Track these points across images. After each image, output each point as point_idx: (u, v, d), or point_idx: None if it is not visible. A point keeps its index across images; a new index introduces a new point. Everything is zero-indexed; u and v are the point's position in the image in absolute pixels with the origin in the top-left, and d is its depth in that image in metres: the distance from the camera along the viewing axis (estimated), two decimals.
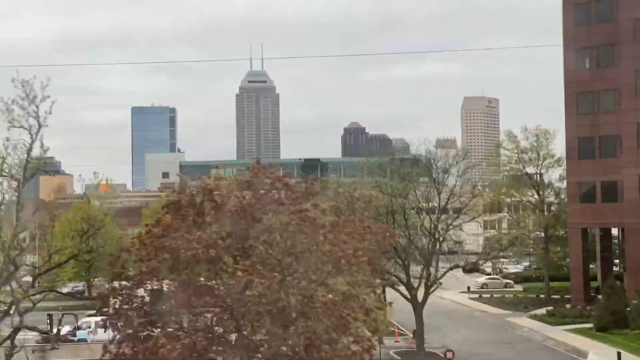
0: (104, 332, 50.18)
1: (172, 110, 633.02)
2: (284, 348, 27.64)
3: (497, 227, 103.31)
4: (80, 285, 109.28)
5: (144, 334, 28.45)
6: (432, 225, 63.06)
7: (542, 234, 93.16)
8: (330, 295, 27.92)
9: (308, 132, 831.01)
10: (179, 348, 26.78)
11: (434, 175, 65.68)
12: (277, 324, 27.50)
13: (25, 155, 31.36)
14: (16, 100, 30.68)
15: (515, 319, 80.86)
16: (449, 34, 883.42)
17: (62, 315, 73.23)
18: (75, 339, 67.47)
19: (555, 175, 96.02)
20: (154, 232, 29.48)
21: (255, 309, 26.96)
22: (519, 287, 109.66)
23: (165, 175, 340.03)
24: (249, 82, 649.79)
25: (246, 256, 28.40)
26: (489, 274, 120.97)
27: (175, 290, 27.97)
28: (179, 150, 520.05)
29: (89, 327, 68.08)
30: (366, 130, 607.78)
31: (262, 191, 29.79)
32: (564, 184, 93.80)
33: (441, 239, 63.67)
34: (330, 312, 27.53)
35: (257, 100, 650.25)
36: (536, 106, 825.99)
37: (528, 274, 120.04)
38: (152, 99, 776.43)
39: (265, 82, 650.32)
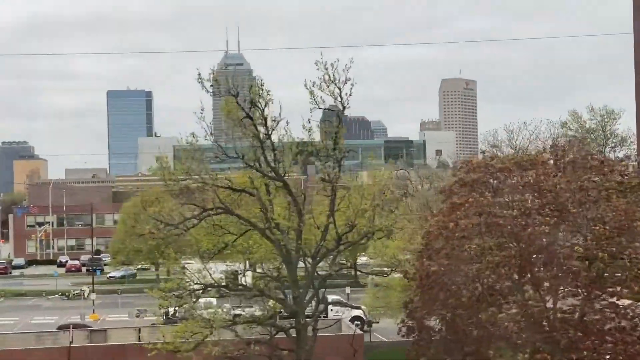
0: None
1: (149, 94, 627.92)
2: None
3: None
4: None
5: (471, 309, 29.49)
6: None
7: None
8: None
9: (286, 115, 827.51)
10: (521, 319, 27.95)
11: None
12: None
13: (333, 136, 32.18)
14: (317, 83, 31.41)
15: None
16: (423, 15, 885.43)
17: None
18: None
19: (619, 155, 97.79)
20: (457, 213, 30.51)
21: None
22: None
23: (160, 159, 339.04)
24: (226, 64, 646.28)
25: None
26: None
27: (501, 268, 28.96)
28: (155, 135, 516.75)
29: None
30: (345, 112, 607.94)
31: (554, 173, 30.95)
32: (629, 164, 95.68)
33: None
34: None
35: (233, 83, 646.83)
36: (512, 88, 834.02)
37: None
38: (127, 82, 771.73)
39: (242, 64, 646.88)
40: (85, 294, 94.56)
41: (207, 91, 30.92)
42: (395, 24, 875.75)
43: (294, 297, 32.04)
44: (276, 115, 32.12)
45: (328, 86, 31.78)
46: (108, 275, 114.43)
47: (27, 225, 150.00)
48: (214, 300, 71.79)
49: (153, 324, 66.76)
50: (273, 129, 31.98)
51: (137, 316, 77.99)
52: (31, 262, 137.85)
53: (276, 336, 32.18)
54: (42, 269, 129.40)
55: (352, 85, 32.01)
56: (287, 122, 31.92)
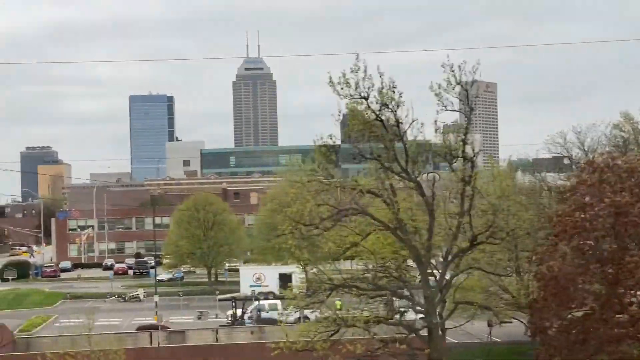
0: None
1: (170, 99, 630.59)
2: None
3: None
4: None
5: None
6: None
7: None
8: None
9: (305, 119, 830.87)
10: None
11: None
12: None
13: (462, 137, 32.55)
14: (442, 85, 31.75)
15: None
16: (440, 17, 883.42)
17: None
18: None
19: None
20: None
21: None
22: None
23: (187, 163, 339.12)
24: (246, 69, 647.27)
25: None
26: None
27: None
28: (177, 139, 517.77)
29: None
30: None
31: None
32: None
33: None
34: None
35: (254, 88, 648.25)
36: (533, 90, 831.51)
37: None
38: (148, 87, 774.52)
39: (262, 69, 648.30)
40: (142, 296, 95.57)
41: (338, 94, 31.15)
42: (415, 26, 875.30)
43: (426, 297, 32.44)
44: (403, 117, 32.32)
45: (453, 88, 32.05)
46: (157, 278, 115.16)
47: (69, 229, 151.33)
48: (278, 302, 72.47)
49: (221, 326, 67.63)
50: (404, 131, 32.32)
51: (199, 318, 78.73)
52: (75, 266, 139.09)
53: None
54: (89, 272, 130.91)
55: (478, 88, 32.19)
56: (422, 124, 32.22)
